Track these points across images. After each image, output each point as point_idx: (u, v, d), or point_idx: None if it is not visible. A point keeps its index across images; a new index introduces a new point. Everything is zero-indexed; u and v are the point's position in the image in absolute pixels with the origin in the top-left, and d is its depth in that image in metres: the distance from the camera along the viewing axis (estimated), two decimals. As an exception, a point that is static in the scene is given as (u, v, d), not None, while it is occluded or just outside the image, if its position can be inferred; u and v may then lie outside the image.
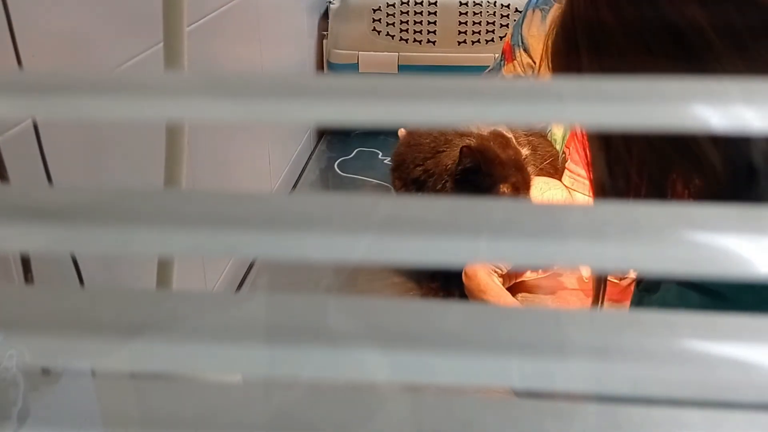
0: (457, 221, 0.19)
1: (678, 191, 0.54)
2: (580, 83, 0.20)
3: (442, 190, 1.04)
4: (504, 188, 1.01)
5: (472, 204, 0.20)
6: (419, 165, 1.09)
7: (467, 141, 1.04)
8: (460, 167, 1.02)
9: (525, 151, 1.09)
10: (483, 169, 1.01)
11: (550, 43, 0.58)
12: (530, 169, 1.07)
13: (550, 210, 0.20)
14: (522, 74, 1.27)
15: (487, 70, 1.40)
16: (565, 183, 1.12)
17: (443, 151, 1.07)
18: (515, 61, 1.28)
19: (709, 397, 0.21)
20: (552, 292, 1.03)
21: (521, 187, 1.03)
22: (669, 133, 0.52)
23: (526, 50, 1.26)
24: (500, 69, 1.31)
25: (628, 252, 0.19)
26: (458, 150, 1.02)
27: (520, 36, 1.28)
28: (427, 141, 1.10)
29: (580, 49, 0.54)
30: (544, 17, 1.24)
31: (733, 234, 0.20)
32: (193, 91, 0.19)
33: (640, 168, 0.53)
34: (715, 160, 0.49)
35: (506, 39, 1.31)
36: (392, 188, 1.17)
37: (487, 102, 0.19)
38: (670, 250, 0.19)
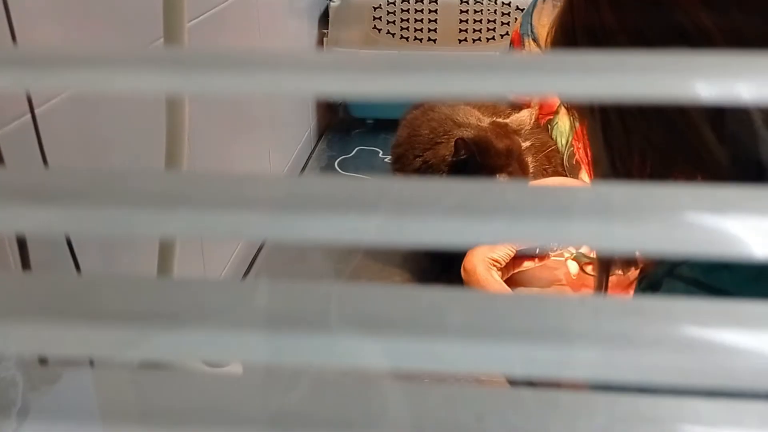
0: (464, 203, 0.19)
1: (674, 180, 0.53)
2: (577, 56, 0.20)
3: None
4: (501, 178, 1.02)
5: (480, 186, 0.20)
6: (419, 156, 1.10)
7: (465, 132, 1.05)
8: (454, 159, 1.02)
9: (525, 144, 1.09)
10: (478, 160, 1.01)
11: (549, 41, 0.58)
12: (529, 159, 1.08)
13: (555, 191, 0.20)
14: None
15: None
16: (584, 179, 1.12)
17: (441, 142, 1.08)
18: (524, 51, 1.27)
19: (715, 385, 0.21)
20: (547, 285, 1.04)
21: (518, 176, 1.03)
22: (669, 128, 0.52)
23: (535, 40, 1.25)
24: None
25: (634, 232, 0.19)
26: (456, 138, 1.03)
27: (529, 25, 1.27)
28: (426, 132, 1.11)
29: (579, 48, 0.54)
30: (555, 7, 1.23)
31: (740, 216, 0.20)
32: (192, 64, 0.19)
33: (641, 166, 0.53)
34: (718, 157, 0.49)
35: (515, 28, 1.30)
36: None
37: (486, 73, 0.19)
38: (677, 231, 0.19)
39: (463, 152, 1.01)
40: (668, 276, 0.51)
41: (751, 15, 0.47)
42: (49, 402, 0.26)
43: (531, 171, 1.06)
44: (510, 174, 1.02)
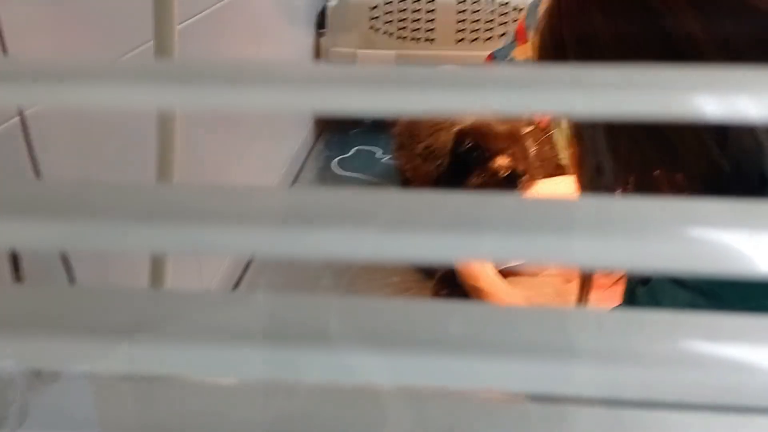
0: (459, 218, 0.19)
1: (663, 192, 0.54)
2: (574, 71, 0.20)
3: (441, 167, 1.07)
4: (501, 160, 1.03)
5: (474, 200, 0.19)
6: (421, 141, 1.12)
7: (466, 118, 1.07)
8: (460, 150, 1.04)
9: (526, 130, 1.11)
10: (482, 146, 1.04)
11: (537, 42, 0.58)
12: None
13: (553, 205, 0.19)
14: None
15: (494, 51, 1.38)
16: None
17: (442, 128, 1.11)
18: (528, 44, 1.27)
19: (717, 400, 0.21)
20: (535, 275, 1.05)
21: (519, 158, 1.04)
22: (651, 129, 0.52)
23: None
24: (510, 50, 1.30)
25: (633, 249, 0.19)
26: (455, 128, 1.05)
27: (535, 18, 1.26)
28: (427, 118, 1.13)
29: (567, 50, 0.54)
30: None
31: (741, 231, 0.20)
32: (186, 79, 0.19)
33: (625, 169, 0.54)
34: (697, 158, 0.49)
35: (520, 20, 1.30)
36: (398, 166, 1.20)
37: (484, 89, 0.19)
38: (678, 248, 0.19)
39: (467, 142, 1.03)
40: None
41: (739, 23, 0.47)
42: (48, 402, 0.25)
43: (532, 154, 1.07)
44: (511, 156, 1.04)
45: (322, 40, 1.62)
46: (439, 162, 1.09)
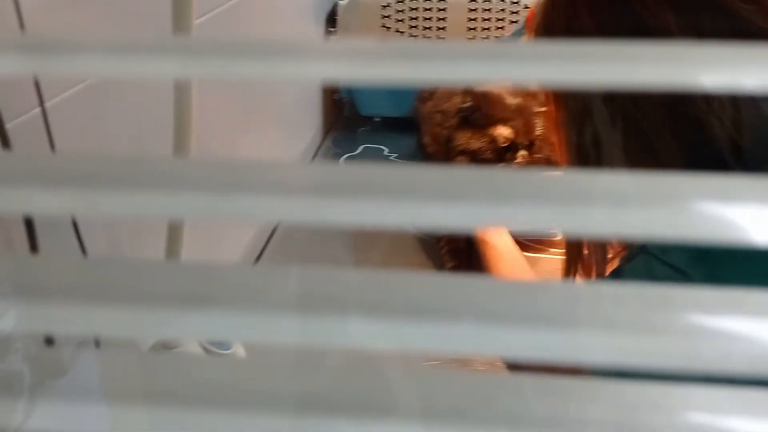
0: (478, 189, 0.19)
1: None
2: (575, 45, 0.20)
3: (449, 129, 1.08)
4: (502, 129, 1.04)
5: (495, 173, 0.20)
6: (439, 111, 1.15)
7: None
8: (461, 107, 1.07)
9: (541, 109, 1.12)
10: (483, 109, 1.05)
11: (532, 33, 0.62)
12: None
13: (565, 179, 0.20)
14: None
15: (503, 37, 1.38)
16: None
17: (456, 93, 1.12)
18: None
19: (714, 371, 0.21)
20: (545, 250, 1.06)
21: (520, 132, 1.05)
22: (635, 133, 0.54)
23: None
24: (519, 37, 1.31)
25: (648, 220, 0.19)
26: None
27: None
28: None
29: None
30: None
31: (742, 204, 0.20)
32: (202, 50, 0.19)
33: (608, 162, 0.56)
34: (673, 149, 0.51)
35: (532, 8, 1.30)
36: (422, 143, 1.22)
37: (492, 61, 0.19)
38: (685, 219, 0.19)
39: (469, 99, 1.06)
40: (641, 252, 0.53)
41: (714, 20, 0.50)
42: (56, 396, 0.26)
43: (539, 134, 1.08)
44: (513, 128, 1.05)
45: (333, 38, 1.63)
46: (448, 123, 1.11)
